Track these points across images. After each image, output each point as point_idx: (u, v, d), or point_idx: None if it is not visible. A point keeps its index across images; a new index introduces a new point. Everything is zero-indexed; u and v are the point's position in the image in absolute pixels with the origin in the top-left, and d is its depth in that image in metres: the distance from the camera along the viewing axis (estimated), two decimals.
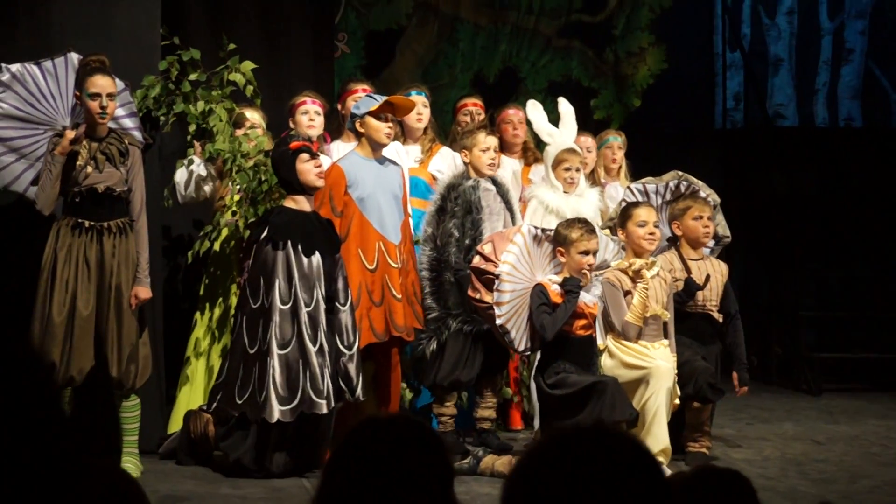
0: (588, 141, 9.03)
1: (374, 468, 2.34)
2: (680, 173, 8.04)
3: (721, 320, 7.77)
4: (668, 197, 8.00)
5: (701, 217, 7.72)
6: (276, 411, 6.83)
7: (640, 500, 2.01)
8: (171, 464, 7.31)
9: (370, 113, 7.43)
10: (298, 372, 6.88)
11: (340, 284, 7.15)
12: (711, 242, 7.98)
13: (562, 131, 8.20)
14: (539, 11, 12.61)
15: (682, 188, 7.98)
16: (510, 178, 8.52)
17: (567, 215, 7.65)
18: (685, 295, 7.60)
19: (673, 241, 7.84)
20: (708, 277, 7.66)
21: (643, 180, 8.15)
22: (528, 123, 8.57)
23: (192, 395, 7.72)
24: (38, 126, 7.22)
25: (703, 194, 7.90)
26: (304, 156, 7.06)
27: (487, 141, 7.77)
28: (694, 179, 8.02)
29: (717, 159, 12.51)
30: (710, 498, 2.84)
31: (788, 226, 12.06)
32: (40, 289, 6.84)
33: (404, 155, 8.20)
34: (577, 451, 2.06)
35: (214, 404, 7.10)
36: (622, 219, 7.51)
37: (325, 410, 6.85)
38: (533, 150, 8.90)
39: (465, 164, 7.81)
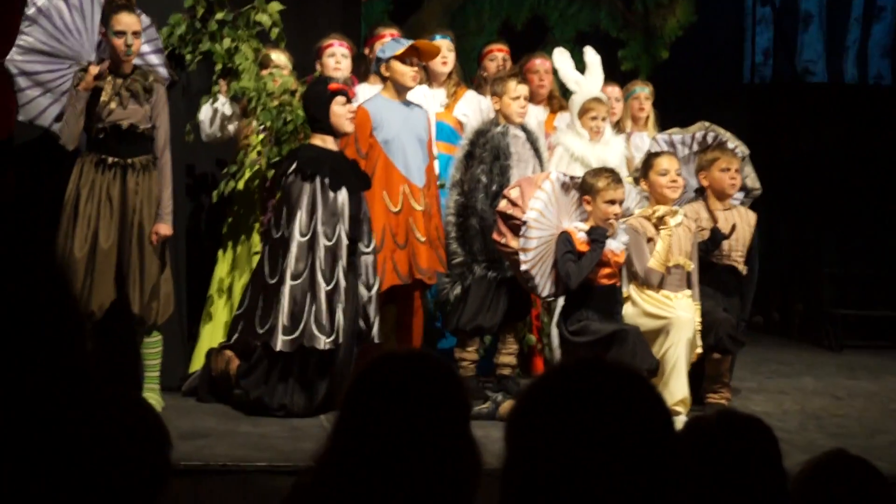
0: (615, 91, 8.99)
1: (390, 402, 2.33)
2: (707, 124, 8.00)
3: (745, 273, 7.74)
4: (695, 148, 7.97)
5: (728, 169, 7.68)
6: (279, 340, 6.87)
7: (642, 433, 2.00)
8: (192, 401, 7.34)
9: (395, 56, 7.42)
10: (304, 304, 6.90)
11: (364, 227, 7.16)
12: (739, 194, 7.94)
13: (588, 80, 8.17)
14: None
15: (710, 139, 7.94)
16: (535, 125, 8.48)
17: (592, 163, 7.63)
18: (711, 244, 7.57)
19: (700, 193, 7.80)
20: (734, 227, 7.62)
21: (669, 131, 8.13)
22: (555, 72, 8.54)
23: (214, 332, 7.73)
24: (63, 60, 7.21)
25: (730, 146, 7.85)
26: (341, 98, 7.07)
27: (519, 89, 7.71)
28: (722, 131, 7.98)
29: (745, 114, 12.44)
30: (731, 442, 2.83)
31: (814, 182, 12.00)
32: (62, 224, 6.85)
33: (430, 99, 8.17)
34: (580, 383, 2.04)
35: (236, 335, 7.13)
36: (644, 168, 7.49)
37: (322, 346, 6.86)
38: (558, 98, 8.86)
39: (495, 110, 7.77)
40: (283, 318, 6.90)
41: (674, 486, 1.98)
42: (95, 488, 2.72)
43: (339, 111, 7.07)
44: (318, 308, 6.92)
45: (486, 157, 7.54)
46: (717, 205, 7.72)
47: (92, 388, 1.10)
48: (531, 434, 2.03)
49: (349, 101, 7.13)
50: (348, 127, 7.11)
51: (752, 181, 8.04)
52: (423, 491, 2.29)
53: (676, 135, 8.03)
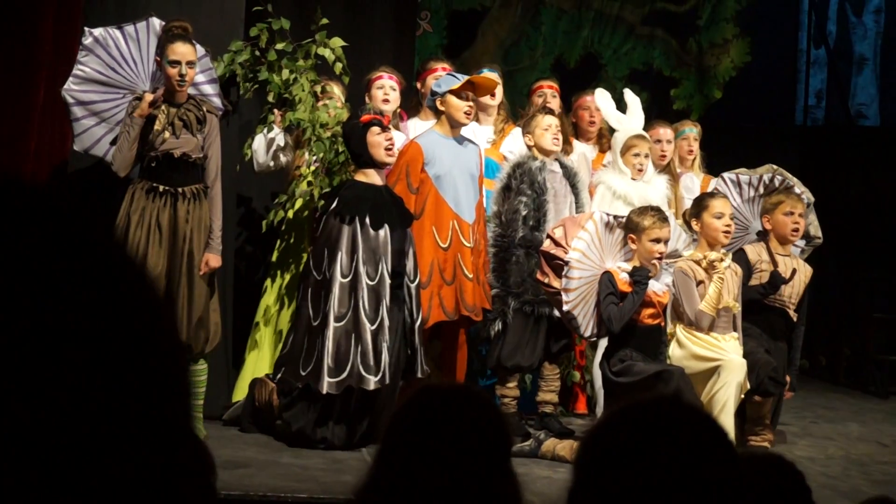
0: (667, 133, 8.95)
1: (431, 435, 2.34)
2: (775, 167, 7.98)
3: (795, 319, 7.70)
4: (760, 190, 7.94)
5: (792, 213, 7.64)
6: (325, 383, 6.88)
7: (713, 474, 2.00)
8: (235, 430, 7.36)
9: (451, 91, 7.44)
10: (350, 346, 6.91)
11: (410, 260, 7.17)
12: (801, 242, 7.91)
13: (630, 118, 8.18)
14: None
15: (777, 182, 7.91)
16: (579, 160, 8.49)
17: (634, 201, 7.64)
18: (769, 287, 7.54)
19: (762, 236, 7.78)
20: (794, 272, 7.60)
21: (736, 171, 8.09)
22: None
23: (259, 361, 7.76)
24: (118, 90, 7.28)
25: (797, 191, 7.82)
26: (375, 129, 7.08)
27: (547, 120, 7.74)
28: (789, 175, 7.96)
29: (796, 156, 12.38)
30: (755, 482, 2.81)
31: (864, 226, 11.93)
32: None
33: (478, 135, 8.19)
34: (653, 421, 2.05)
35: (279, 375, 7.15)
36: (697, 209, 7.45)
37: (372, 386, 6.87)
38: (608, 136, 8.86)
39: (528, 147, 7.78)
40: (328, 360, 6.91)
41: None
42: None
43: (376, 140, 7.08)
44: (363, 349, 6.93)
45: (523, 188, 7.57)
46: (778, 248, 7.69)
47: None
48: (600, 468, 2.03)
49: (384, 129, 7.13)
50: (386, 156, 7.12)
51: (815, 229, 8.00)
52: None
53: (743, 175, 8.00)
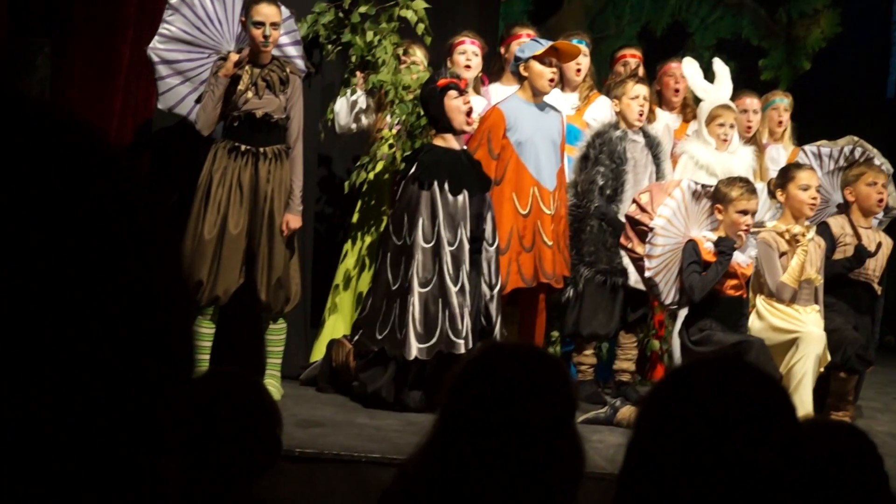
0: (754, 102, 8.84)
1: (495, 393, 2.33)
2: (855, 139, 7.89)
3: (879, 292, 7.61)
4: (841, 162, 7.85)
5: (875, 183, 7.55)
6: (415, 349, 6.88)
7: (773, 436, 1.99)
8: (312, 390, 7.41)
9: (534, 57, 7.40)
10: (437, 311, 6.91)
11: (489, 225, 7.15)
12: (881, 213, 7.81)
13: (717, 88, 8.09)
14: None
15: (857, 154, 7.81)
16: (663, 131, 8.41)
17: (718, 172, 7.56)
18: (854, 261, 7.45)
19: (844, 208, 7.68)
20: (879, 245, 7.50)
21: (818, 143, 8.00)
22: None
23: (337, 323, 7.79)
24: (203, 50, 7.31)
25: (877, 162, 7.73)
26: (453, 93, 7.04)
27: (636, 89, 7.67)
28: (869, 146, 7.87)
29: (886, 130, 12.20)
30: (824, 449, 2.78)
31: None
32: (194, 208, 6.96)
33: (561, 102, 8.14)
34: (714, 380, 2.04)
35: (356, 338, 7.17)
36: (783, 179, 7.35)
37: (462, 350, 6.86)
38: (692, 106, 8.76)
39: (615, 112, 7.75)
40: (416, 325, 6.91)
41: (795, 493, 1.97)
42: (209, 461, 2.79)
43: (453, 104, 7.05)
44: (451, 314, 6.93)
45: (602, 158, 7.53)
46: (861, 221, 7.59)
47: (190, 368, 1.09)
48: (661, 424, 2.03)
49: (461, 92, 7.10)
50: (465, 124, 7.08)
51: (894, 200, 7.90)
52: (526, 482, 2.29)
53: (824, 147, 7.91)
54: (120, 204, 0.98)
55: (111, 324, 0.95)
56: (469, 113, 7.08)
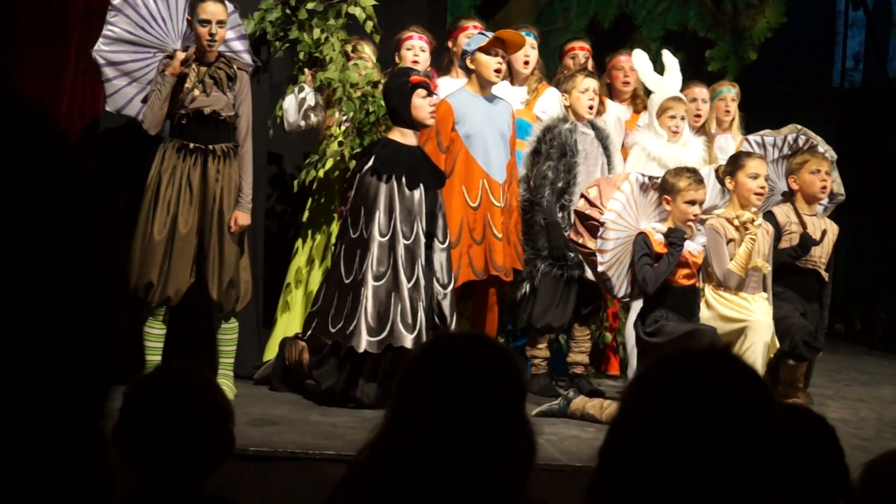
0: (702, 92, 8.89)
1: (445, 381, 2.34)
2: (798, 127, 7.94)
3: (827, 279, 7.67)
4: (785, 151, 7.91)
5: (818, 171, 7.61)
6: (364, 341, 6.87)
7: (751, 418, 2.01)
8: (265, 389, 7.38)
9: (480, 49, 7.41)
10: (390, 305, 6.91)
11: (440, 222, 7.15)
12: (826, 200, 7.86)
13: (667, 80, 8.12)
14: None
15: (801, 143, 7.87)
16: (613, 123, 8.45)
17: (669, 163, 7.59)
18: (800, 250, 7.50)
19: (788, 196, 7.73)
20: (824, 233, 7.56)
21: (761, 132, 8.07)
22: None
23: (290, 322, 7.78)
24: (148, 50, 7.26)
25: (821, 149, 7.78)
26: (422, 91, 7.05)
27: (586, 83, 7.71)
28: (812, 134, 7.92)
29: (833, 119, 12.30)
30: (788, 435, 2.80)
31: None
32: (143, 208, 6.92)
33: (510, 96, 8.15)
34: (693, 370, 2.05)
35: (309, 332, 7.16)
36: (732, 167, 7.39)
37: (410, 344, 6.85)
38: (642, 97, 8.80)
39: (564, 106, 7.77)
40: (367, 318, 6.89)
41: (769, 473, 1.99)
42: (160, 455, 2.78)
43: (420, 103, 7.06)
44: (402, 307, 6.92)
45: (552, 153, 7.56)
46: (805, 208, 7.65)
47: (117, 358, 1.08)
48: (644, 410, 2.04)
49: (430, 93, 7.11)
50: (429, 120, 7.10)
51: (838, 186, 7.97)
52: (478, 469, 2.30)
53: (768, 136, 7.97)
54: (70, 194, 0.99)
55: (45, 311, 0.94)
56: (433, 113, 7.09)
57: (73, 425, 1.01)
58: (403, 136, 7.12)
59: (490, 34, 7.47)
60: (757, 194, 7.24)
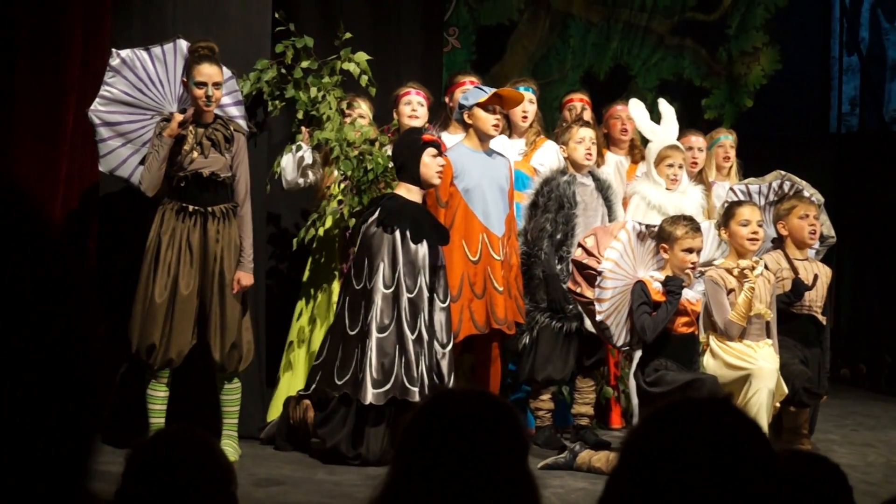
0: (699, 141, 8.95)
1: (447, 438, 2.33)
2: (783, 173, 7.95)
3: (825, 322, 7.65)
4: (771, 197, 7.92)
5: (807, 216, 7.61)
6: (370, 394, 6.87)
7: (751, 471, 2.00)
8: (270, 449, 7.36)
9: (478, 104, 7.43)
10: (394, 357, 6.90)
11: (442, 279, 7.15)
12: (817, 243, 7.87)
13: (664, 128, 8.16)
14: (652, 9, 12.53)
15: (786, 188, 7.88)
16: (613, 171, 8.48)
17: (669, 211, 7.61)
18: (793, 296, 7.49)
19: (778, 242, 7.73)
20: (816, 278, 7.55)
21: (746, 181, 8.10)
22: None
23: (293, 380, 7.76)
24: (145, 112, 7.29)
25: (806, 194, 7.80)
26: (432, 150, 7.08)
27: (582, 133, 7.74)
28: (797, 179, 7.93)
29: (831, 164, 12.32)
30: (799, 481, 2.80)
31: None
32: (143, 271, 6.92)
33: (509, 148, 8.17)
34: (691, 421, 2.05)
35: (314, 385, 7.14)
36: (725, 218, 7.41)
37: (416, 398, 6.84)
38: (640, 148, 8.83)
39: (563, 158, 7.81)
40: (371, 371, 6.89)
41: None
42: None
43: (430, 162, 7.08)
44: (407, 360, 6.91)
45: (550, 206, 7.57)
46: (796, 253, 7.65)
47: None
48: (642, 460, 2.03)
49: (440, 153, 7.13)
50: (436, 179, 7.12)
51: (828, 229, 7.98)
52: None
53: (753, 184, 7.98)
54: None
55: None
56: (441, 173, 7.11)
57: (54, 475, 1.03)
58: (409, 192, 7.13)
59: (488, 90, 7.50)
60: (751, 240, 7.25)
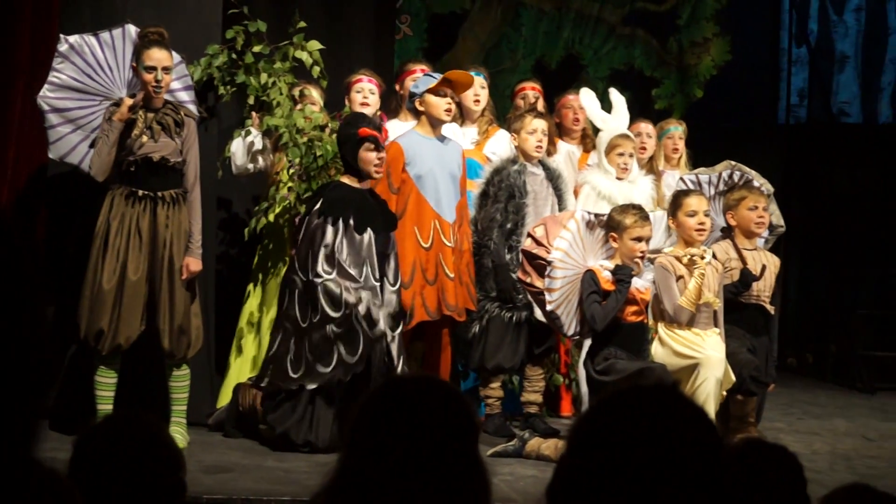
0: (648, 128, 8.98)
1: (397, 424, 2.33)
2: (733, 163, 7.99)
3: (773, 312, 7.70)
4: (721, 187, 7.95)
5: (756, 207, 7.66)
6: (318, 379, 6.86)
7: (696, 458, 2.01)
8: (218, 436, 7.33)
9: (429, 90, 7.42)
10: (339, 344, 6.89)
11: (392, 263, 7.14)
12: (766, 232, 7.92)
13: (615, 118, 8.18)
14: None
15: (736, 178, 7.92)
16: (564, 160, 8.50)
17: (619, 201, 7.62)
18: (741, 286, 7.54)
19: (727, 232, 7.77)
20: (764, 268, 7.59)
21: (696, 171, 8.14)
22: None
23: (242, 367, 7.74)
24: (94, 97, 7.24)
25: (756, 184, 7.84)
26: (369, 144, 7.04)
27: (534, 124, 7.74)
28: (747, 169, 7.97)
29: (779, 155, 12.42)
30: (755, 468, 2.83)
31: (848, 223, 11.94)
32: (92, 256, 6.89)
33: (460, 136, 8.17)
34: (638, 408, 2.06)
35: (267, 378, 7.12)
36: (673, 207, 7.44)
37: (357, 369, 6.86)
38: (591, 137, 8.85)
39: (514, 147, 7.81)
40: (317, 358, 6.89)
41: None
42: None
43: (367, 157, 7.05)
44: (353, 348, 6.90)
45: (500, 195, 7.58)
46: (744, 243, 7.69)
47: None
48: (589, 448, 2.04)
49: (378, 147, 7.09)
50: (375, 174, 7.08)
51: (777, 218, 8.03)
52: None
53: (703, 174, 8.01)
54: None
55: None
56: (378, 166, 7.08)
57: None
58: (353, 181, 7.12)
59: (438, 75, 7.49)
60: (698, 230, 7.28)
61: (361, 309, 6.90)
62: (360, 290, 6.93)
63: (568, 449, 2.10)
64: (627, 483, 1.97)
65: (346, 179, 7.14)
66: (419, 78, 7.71)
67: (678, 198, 7.45)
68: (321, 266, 6.94)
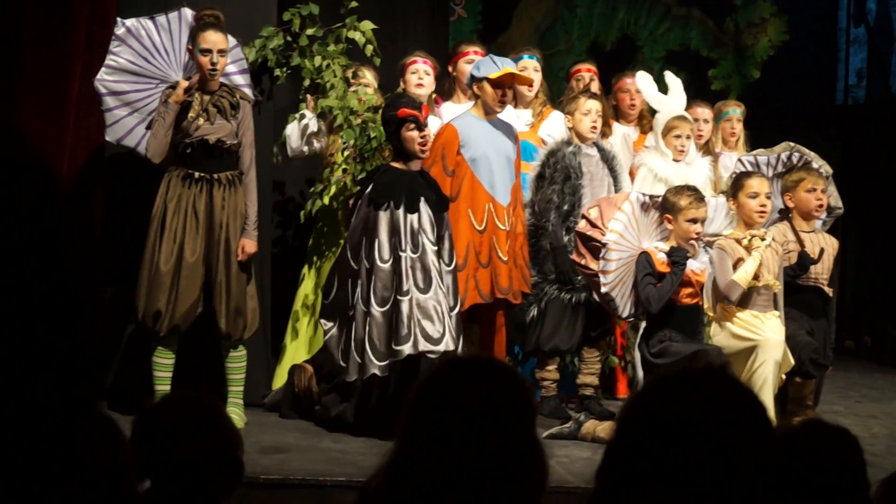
0: (705, 112, 8.91)
1: (454, 406, 2.33)
2: (792, 144, 7.91)
3: (831, 294, 7.64)
4: (779, 169, 7.88)
5: (814, 189, 7.58)
6: (375, 367, 6.84)
7: (745, 440, 2.01)
8: (275, 416, 7.37)
9: (489, 79, 7.39)
10: (391, 329, 6.85)
11: (447, 244, 7.13)
12: (824, 214, 7.85)
13: (671, 99, 8.13)
14: None
15: (794, 160, 7.85)
16: (620, 143, 8.46)
17: (676, 183, 7.57)
18: (798, 268, 7.47)
19: (785, 214, 7.71)
20: (822, 251, 7.53)
21: (754, 152, 8.06)
22: None
23: (298, 349, 7.77)
24: (150, 80, 7.28)
25: (815, 165, 7.77)
26: (410, 124, 7.01)
27: (588, 105, 7.71)
28: (806, 150, 7.88)
29: (837, 136, 12.29)
30: (816, 450, 2.82)
31: None
32: (150, 238, 6.93)
33: (515, 119, 8.15)
34: (687, 390, 2.06)
35: (318, 362, 7.14)
36: (734, 189, 7.39)
37: (407, 352, 6.80)
38: (649, 118, 8.80)
39: (568, 128, 7.79)
40: (375, 345, 6.85)
41: (766, 490, 1.99)
42: (171, 484, 2.78)
43: (409, 136, 7.01)
44: (404, 329, 6.86)
45: (557, 177, 7.56)
46: (802, 225, 7.62)
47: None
48: (638, 431, 2.04)
49: (419, 126, 7.07)
50: (420, 153, 7.05)
51: (835, 200, 7.95)
52: (490, 493, 2.29)
53: (761, 156, 7.94)
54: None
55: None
56: (423, 144, 7.05)
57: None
58: (403, 164, 7.10)
59: (500, 64, 7.42)
60: (759, 212, 7.23)
61: (412, 297, 6.88)
62: (410, 278, 6.90)
63: (617, 431, 2.10)
64: (675, 466, 1.97)
65: (395, 163, 7.12)
66: (482, 60, 7.64)
67: (739, 179, 7.39)
68: (374, 253, 6.93)
